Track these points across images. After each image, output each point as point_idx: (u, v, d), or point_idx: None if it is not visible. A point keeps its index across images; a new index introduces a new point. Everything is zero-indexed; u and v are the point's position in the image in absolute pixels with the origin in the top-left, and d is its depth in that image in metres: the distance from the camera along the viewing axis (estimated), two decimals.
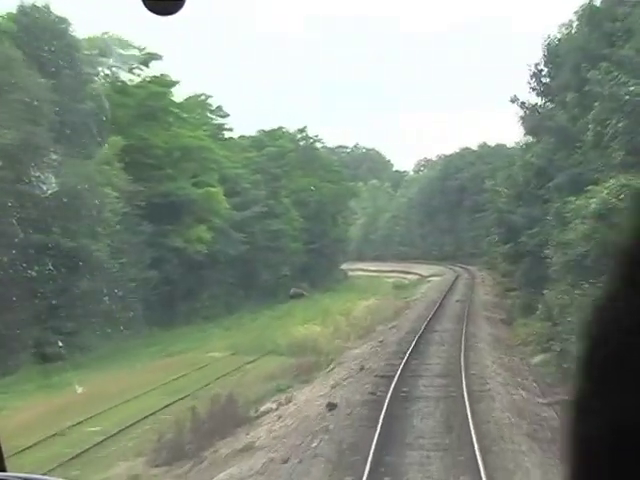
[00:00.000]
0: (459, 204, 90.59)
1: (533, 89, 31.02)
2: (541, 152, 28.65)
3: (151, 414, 20.84)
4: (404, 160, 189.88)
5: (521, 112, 32.59)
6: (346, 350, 28.34)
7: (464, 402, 15.21)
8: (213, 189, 44.86)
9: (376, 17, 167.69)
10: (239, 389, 24.57)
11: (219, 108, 58.77)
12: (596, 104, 20.23)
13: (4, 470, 2.40)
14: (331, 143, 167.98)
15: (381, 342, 26.94)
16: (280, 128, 69.45)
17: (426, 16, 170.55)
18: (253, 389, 24.70)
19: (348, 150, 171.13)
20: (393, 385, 17.48)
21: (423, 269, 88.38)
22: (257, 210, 51.45)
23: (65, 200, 32.26)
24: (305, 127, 69.91)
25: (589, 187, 19.78)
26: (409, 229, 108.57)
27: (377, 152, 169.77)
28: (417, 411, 15.14)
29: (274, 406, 21.02)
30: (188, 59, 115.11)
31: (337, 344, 30.26)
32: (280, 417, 18.29)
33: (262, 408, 21.46)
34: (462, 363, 20.15)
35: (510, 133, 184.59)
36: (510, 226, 31.52)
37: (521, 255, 30.61)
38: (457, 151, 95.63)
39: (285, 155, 65.06)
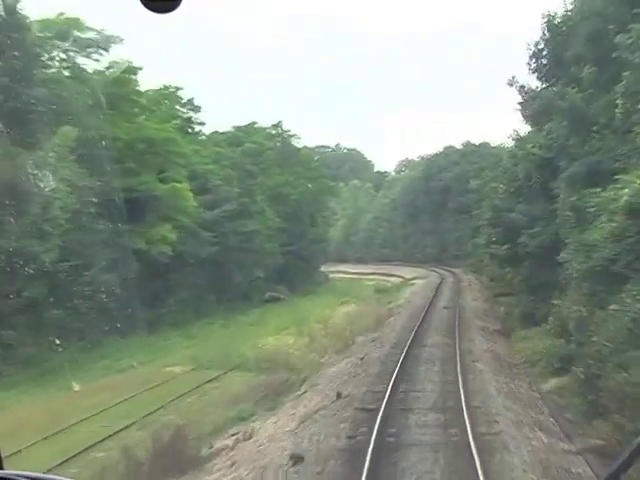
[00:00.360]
0: (443, 205, 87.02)
1: (533, 71, 27.29)
2: (546, 141, 24.86)
3: (77, 454, 16.70)
4: (386, 161, 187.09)
5: (519, 98, 28.88)
6: (322, 367, 24.37)
7: (471, 454, 11.30)
8: (180, 185, 40.67)
9: (360, 16, 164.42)
10: (194, 416, 20.58)
11: (190, 101, 54.59)
12: (626, 74, 16.49)
13: (1, 468, 2.27)
14: (312, 143, 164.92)
15: (362, 359, 22.96)
16: (254, 123, 65.41)
17: (409, 17, 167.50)
18: (211, 416, 20.64)
19: (329, 150, 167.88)
20: (377, 424, 13.54)
21: (406, 272, 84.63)
22: (228, 208, 47.28)
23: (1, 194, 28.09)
24: (280, 122, 65.91)
25: (618, 177, 16.01)
26: (391, 230, 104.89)
27: (358, 152, 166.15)
28: (410, 468, 11.18)
29: (231, 442, 17.04)
30: (159, 53, 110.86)
31: (312, 358, 26.28)
32: (234, 463, 14.31)
33: (217, 444, 17.47)
34: (461, 391, 16.27)
35: (494, 133, 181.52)
36: (507, 226, 27.70)
37: (519, 258, 26.86)
38: (440, 150, 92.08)
39: (262, 152, 61.06)
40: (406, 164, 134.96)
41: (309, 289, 68.49)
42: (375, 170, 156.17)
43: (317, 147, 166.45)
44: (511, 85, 28.37)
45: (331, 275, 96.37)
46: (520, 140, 31.12)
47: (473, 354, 21.99)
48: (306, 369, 24.59)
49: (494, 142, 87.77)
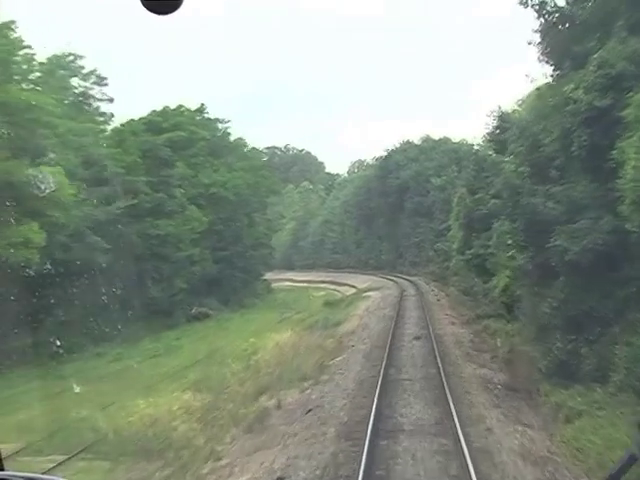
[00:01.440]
0: (400, 206, 76.58)
1: None
2: (601, 79, 14.24)
3: None
4: (339, 163, 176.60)
5: (536, 25, 18.20)
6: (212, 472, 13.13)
7: None
8: (50, 169, 28.96)
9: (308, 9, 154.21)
10: None
11: (93, 73, 42.83)
12: None
13: (2, 469, 2.21)
14: (262, 144, 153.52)
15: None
16: (180, 107, 53.92)
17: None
18: None
19: (278, 152, 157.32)
20: None
21: (359, 281, 73.93)
22: (129, 204, 35.67)
23: None
24: (203, 105, 54.34)
25: None
26: (343, 235, 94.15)
27: (309, 154, 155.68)
28: None
29: None
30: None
31: (201, 446, 15.01)
32: None
33: None
34: None
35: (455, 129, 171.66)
36: (529, 219, 16.84)
37: (549, 271, 16.14)
38: (397, 146, 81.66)
39: (189, 140, 49.60)
40: (359, 165, 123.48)
41: (247, 302, 57.16)
42: (327, 172, 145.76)
43: (266, 148, 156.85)
44: (525, 5, 17.75)
45: (276, 284, 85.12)
46: (545, 88, 20.08)
47: (496, 462, 10.94)
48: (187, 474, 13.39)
49: (455, 138, 78.16)
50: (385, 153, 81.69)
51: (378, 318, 32.80)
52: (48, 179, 28.66)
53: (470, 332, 26.54)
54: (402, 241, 77.15)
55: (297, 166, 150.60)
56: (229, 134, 56.80)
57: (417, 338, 25.13)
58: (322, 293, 71.48)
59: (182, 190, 44.27)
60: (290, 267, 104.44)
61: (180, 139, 47.33)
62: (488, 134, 36.20)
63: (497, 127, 34.33)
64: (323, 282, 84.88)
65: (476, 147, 50.30)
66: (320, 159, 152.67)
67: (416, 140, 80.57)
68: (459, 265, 45.19)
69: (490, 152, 37.49)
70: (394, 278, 66.55)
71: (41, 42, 67.53)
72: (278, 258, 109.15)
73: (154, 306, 42.60)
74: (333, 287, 76.57)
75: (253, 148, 67.04)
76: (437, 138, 79.20)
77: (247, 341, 29.92)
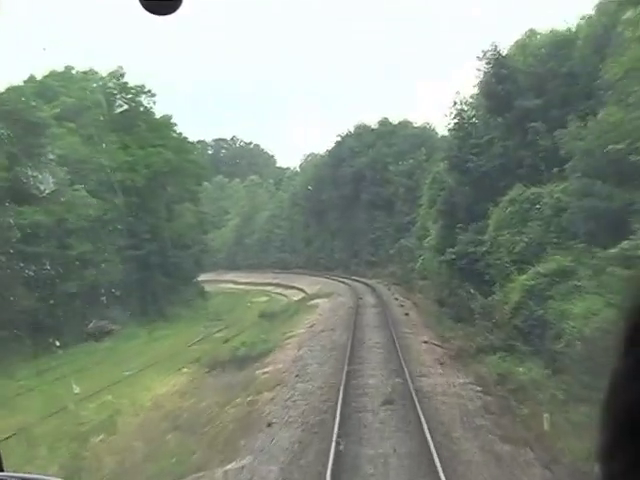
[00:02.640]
0: (355, 198, 65.40)
1: None
2: None
3: None
4: (291, 158, 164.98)
5: None
6: None
7: None
8: None
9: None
10: None
11: None
12: None
13: (1, 469, 2.18)
14: (209, 137, 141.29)
15: None
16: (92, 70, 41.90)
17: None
18: None
19: (225, 145, 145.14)
20: None
21: (307, 283, 62.60)
22: None
23: None
24: (121, 68, 42.13)
25: None
26: (291, 231, 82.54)
27: (258, 146, 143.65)
28: None
29: None
30: None
31: None
32: None
33: None
34: None
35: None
36: None
37: None
38: (351, 130, 70.40)
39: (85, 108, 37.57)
40: (312, 158, 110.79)
41: (170, 312, 45.15)
42: (277, 165, 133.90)
43: (213, 140, 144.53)
44: None
45: (217, 287, 73.02)
46: None
47: None
48: None
49: (417, 122, 67.41)
50: (338, 139, 70.26)
51: (324, 347, 21.42)
52: None
53: (477, 384, 15.29)
54: (357, 237, 66.02)
55: (245, 159, 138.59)
56: (151, 109, 44.58)
57: (388, 402, 13.83)
58: (264, 299, 59.96)
59: (65, 168, 32.12)
60: (235, 267, 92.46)
61: (70, 106, 35.31)
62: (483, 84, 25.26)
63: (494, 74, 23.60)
64: (269, 284, 73.31)
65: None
66: (271, 152, 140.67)
67: (372, 124, 69.42)
68: (432, 266, 34.19)
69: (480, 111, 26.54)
70: (348, 281, 55.41)
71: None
72: (222, 257, 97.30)
73: (29, 320, 30.53)
74: (278, 291, 64.99)
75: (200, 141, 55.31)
76: (396, 122, 68.19)
77: (114, 392, 18.16)
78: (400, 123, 67.47)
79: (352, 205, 66.42)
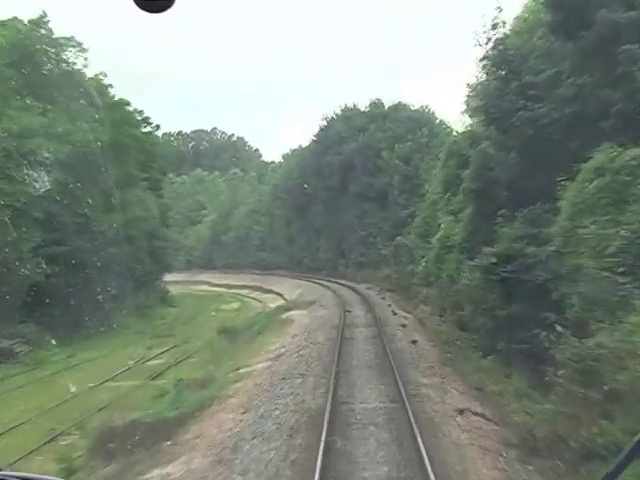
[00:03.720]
0: (343, 190, 56.14)
1: None
2: None
3: None
4: (276, 151, 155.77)
5: None
6: None
7: None
8: None
9: None
10: None
11: None
12: None
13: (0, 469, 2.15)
14: (188, 128, 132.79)
15: None
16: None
17: None
18: None
19: (205, 137, 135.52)
20: None
21: (287, 287, 53.30)
22: None
23: None
24: (44, 14, 32.45)
25: None
26: (272, 228, 73.12)
27: (241, 139, 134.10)
28: None
29: None
30: None
31: None
32: None
33: None
34: None
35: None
36: None
37: None
38: (338, 113, 61.03)
39: None
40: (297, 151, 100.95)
41: (116, 321, 35.69)
42: (262, 160, 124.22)
43: (192, 132, 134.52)
44: None
45: (186, 289, 63.73)
46: None
47: None
48: None
49: (414, 104, 58.15)
50: (324, 122, 60.87)
51: (281, 419, 12.06)
52: None
53: None
54: (345, 235, 56.77)
55: (227, 153, 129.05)
56: (82, 70, 34.88)
57: None
58: (235, 305, 50.58)
59: None
60: (211, 267, 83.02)
61: None
62: None
63: None
64: (245, 287, 63.98)
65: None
66: (255, 146, 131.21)
67: (363, 106, 60.10)
68: (436, 271, 24.98)
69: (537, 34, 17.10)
70: (334, 285, 46.05)
71: None
72: (197, 256, 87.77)
73: None
74: (254, 295, 55.60)
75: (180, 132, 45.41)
76: (390, 104, 58.83)
77: None
78: (395, 105, 58.20)
79: (339, 198, 57.16)
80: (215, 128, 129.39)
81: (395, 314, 28.19)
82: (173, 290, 55.32)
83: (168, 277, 54.67)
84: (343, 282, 47.82)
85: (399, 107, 57.70)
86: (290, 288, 51.55)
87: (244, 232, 77.82)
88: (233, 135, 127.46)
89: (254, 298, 53.51)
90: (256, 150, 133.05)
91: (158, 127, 50.68)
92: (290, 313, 32.98)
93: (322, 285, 47.66)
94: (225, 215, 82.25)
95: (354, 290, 41.17)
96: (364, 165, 54.09)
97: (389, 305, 31.91)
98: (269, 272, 69.13)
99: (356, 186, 54.14)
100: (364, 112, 58.59)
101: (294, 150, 70.04)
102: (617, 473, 1.84)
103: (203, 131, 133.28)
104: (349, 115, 58.91)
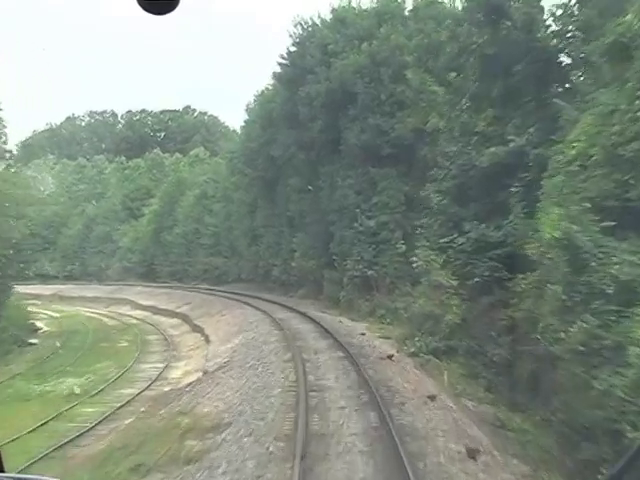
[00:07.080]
0: (333, 145, 29.55)
1: None
2: None
3: None
4: None
5: None
6: None
7: None
8: None
9: None
10: None
11: None
12: None
13: (2, 470, 2.09)
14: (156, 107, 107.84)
15: None
16: None
17: None
18: None
19: (176, 117, 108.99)
20: None
21: (235, 329, 26.66)
22: None
23: None
24: None
25: None
26: (228, 220, 46.32)
27: (216, 118, 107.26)
28: None
29: None
30: None
31: None
32: None
33: None
34: None
35: None
36: None
37: None
38: (325, 18, 33.55)
39: None
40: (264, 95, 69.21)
41: None
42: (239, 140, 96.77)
43: (160, 112, 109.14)
44: None
45: (105, 311, 36.95)
46: None
47: None
48: None
49: None
50: (300, 32, 33.47)
51: None
52: None
53: None
54: (338, 227, 29.65)
55: (200, 134, 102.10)
56: None
57: None
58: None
59: None
60: (152, 276, 56.23)
61: None
62: None
63: None
64: (174, 315, 37.43)
65: None
66: (232, 125, 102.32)
67: (327, 15, 32.90)
68: None
69: None
70: (327, 325, 19.48)
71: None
72: (136, 261, 60.89)
73: None
74: (163, 346, 29.08)
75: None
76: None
77: None
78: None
79: (327, 161, 30.39)
80: (188, 105, 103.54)
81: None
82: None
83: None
84: (349, 326, 20.94)
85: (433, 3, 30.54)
86: (242, 331, 24.85)
87: (192, 227, 50.88)
88: (207, 113, 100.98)
89: (162, 351, 26.48)
90: (233, 131, 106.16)
91: None
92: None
93: (305, 321, 20.86)
94: (169, 205, 55.16)
95: (329, 335, 14.43)
96: (371, 96, 27.39)
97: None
98: (222, 288, 42.55)
99: (357, 136, 27.40)
100: (367, 11, 31.51)
101: (259, 94, 42.50)
102: (620, 475, 1.74)
103: (172, 110, 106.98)
104: (342, 18, 31.80)
